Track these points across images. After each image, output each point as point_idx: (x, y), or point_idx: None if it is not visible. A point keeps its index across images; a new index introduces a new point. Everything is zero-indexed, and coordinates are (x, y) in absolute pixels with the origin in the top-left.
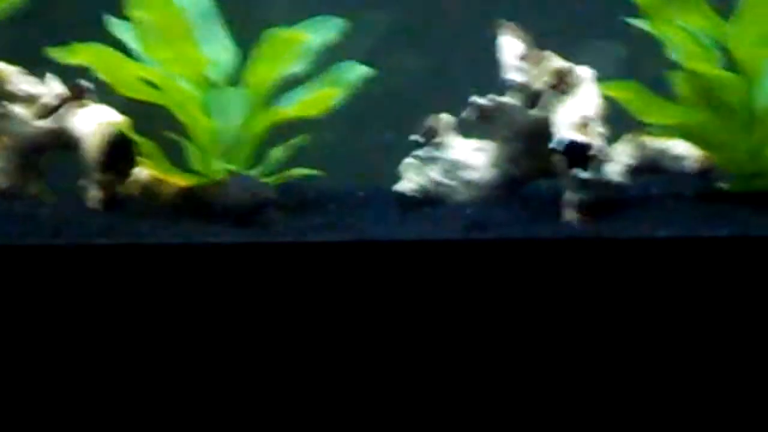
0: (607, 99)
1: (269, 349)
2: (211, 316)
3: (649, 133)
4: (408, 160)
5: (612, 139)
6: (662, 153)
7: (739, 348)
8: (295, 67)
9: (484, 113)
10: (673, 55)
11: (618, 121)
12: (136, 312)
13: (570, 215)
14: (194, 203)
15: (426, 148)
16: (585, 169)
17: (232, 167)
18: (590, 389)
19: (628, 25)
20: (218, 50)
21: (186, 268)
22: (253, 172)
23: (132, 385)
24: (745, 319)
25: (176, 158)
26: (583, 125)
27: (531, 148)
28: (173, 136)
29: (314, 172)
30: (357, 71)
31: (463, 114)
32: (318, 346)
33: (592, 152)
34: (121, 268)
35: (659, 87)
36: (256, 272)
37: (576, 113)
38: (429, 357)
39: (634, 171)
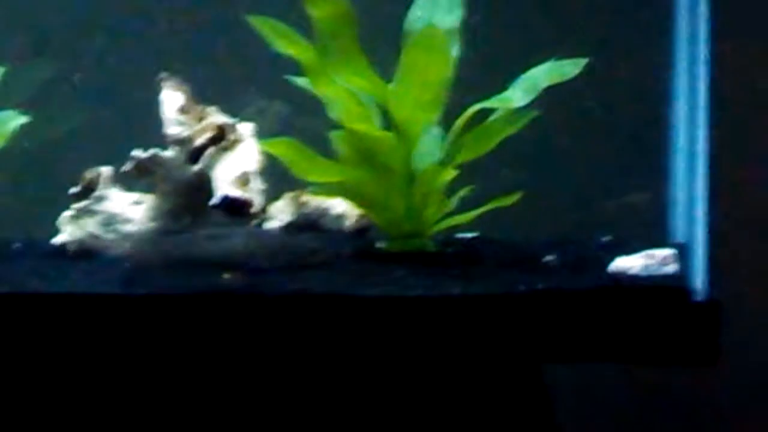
0: (270, 156)
1: None
2: None
3: (311, 192)
4: (66, 212)
5: (273, 196)
6: (322, 211)
7: (385, 412)
8: None
9: (142, 166)
10: (334, 115)
11: (280, 178)
12: None
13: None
14: None
15: (84, 201)
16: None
17: None
18: None
19: (290, 83)
20: None
21: None
22: None
23: None
24: (396, 380)
25: None
26: (243, 181)
27: (190, 202)
28: None
29: None
30: (15, 120)
31: (123, 167)
32: None
33: (250, 208)
34: None
35: (322, 146)
36: None
37: (236, 169)
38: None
39: (294, 228)
